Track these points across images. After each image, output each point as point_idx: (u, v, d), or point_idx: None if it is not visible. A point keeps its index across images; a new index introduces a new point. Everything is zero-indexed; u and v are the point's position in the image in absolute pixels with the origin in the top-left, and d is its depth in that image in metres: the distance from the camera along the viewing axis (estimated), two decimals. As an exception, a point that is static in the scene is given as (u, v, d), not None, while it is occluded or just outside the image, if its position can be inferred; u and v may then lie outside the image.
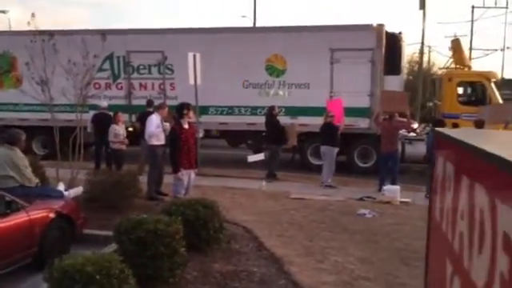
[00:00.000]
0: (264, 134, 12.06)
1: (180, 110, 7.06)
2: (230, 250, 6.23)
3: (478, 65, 33.56)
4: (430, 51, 31.01)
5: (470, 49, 35.65)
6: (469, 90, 13.77)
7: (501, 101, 13.09)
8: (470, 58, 34.82)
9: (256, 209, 8.50)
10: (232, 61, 12.78)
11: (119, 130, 9.59)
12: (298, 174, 11.95)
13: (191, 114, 7.10)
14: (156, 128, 8.61)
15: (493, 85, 12.94)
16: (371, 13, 78.92)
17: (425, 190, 9.15)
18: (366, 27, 12.44)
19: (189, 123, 7.23)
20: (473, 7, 36.21)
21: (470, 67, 14.62)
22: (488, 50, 38.57)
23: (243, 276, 5.40)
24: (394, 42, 12.80)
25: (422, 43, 26.33)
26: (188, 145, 6.99)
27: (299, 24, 16.12)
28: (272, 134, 11.36)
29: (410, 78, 28.86)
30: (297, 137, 12.89)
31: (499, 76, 14.98)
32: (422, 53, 26.91)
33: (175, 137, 6.99)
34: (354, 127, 12.25)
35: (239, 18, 51.20)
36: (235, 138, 14.39)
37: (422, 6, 25.97)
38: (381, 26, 12.46)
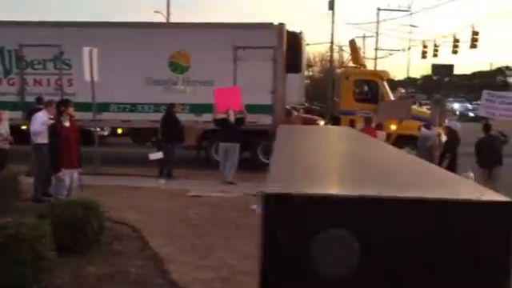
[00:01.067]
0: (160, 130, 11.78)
1: (58, 106, 6.75)
2: (111, 252, 6.06)
3: (383, 64, 35.53)
4: (341, 50, 32.39)
5: (376, 49, 37.76)
6: (364, 88, 14.50)
7: (392, 98, 13.92)
8: (376, 58, 36.88)
9: (149, 207, 8.35)
10: (134, 57, 12.42)
11: (1, 129, 9.00)
12: (200, 172, 11.89)
13: (71, 110, 6.79)
14: (41, 125, 8.16)
15: (385, 83, 13.72)
16: (285, 13, 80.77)
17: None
18: (268, 26, 12.64)
19: (71, 121, 6.92)
20: (378, 9, 38.42)
21: (365, 66, 15.40)
22: (392, 50, 40.97)
23: (119, 277, 5.27)
24: (295, 41, 13.12)
25: (332, 42, 27.60)
26: (69, 143, 6.68)
27: (204, 21, 16.10)
28: (168, 132, 11.18)
29: (321, 75, 30.03)
30: (201, 134, 12.85)
31: (391, 75, 15.91)
32: (331, 51, 28.16)
33: (54, 135, 6.67)
34: (257, 124, 12.42)
35: (153, 14, 49.99)
36: (140, 135, 14.07)
37: (331, 7, 27.22)
38: (282, 24, 12.71)
